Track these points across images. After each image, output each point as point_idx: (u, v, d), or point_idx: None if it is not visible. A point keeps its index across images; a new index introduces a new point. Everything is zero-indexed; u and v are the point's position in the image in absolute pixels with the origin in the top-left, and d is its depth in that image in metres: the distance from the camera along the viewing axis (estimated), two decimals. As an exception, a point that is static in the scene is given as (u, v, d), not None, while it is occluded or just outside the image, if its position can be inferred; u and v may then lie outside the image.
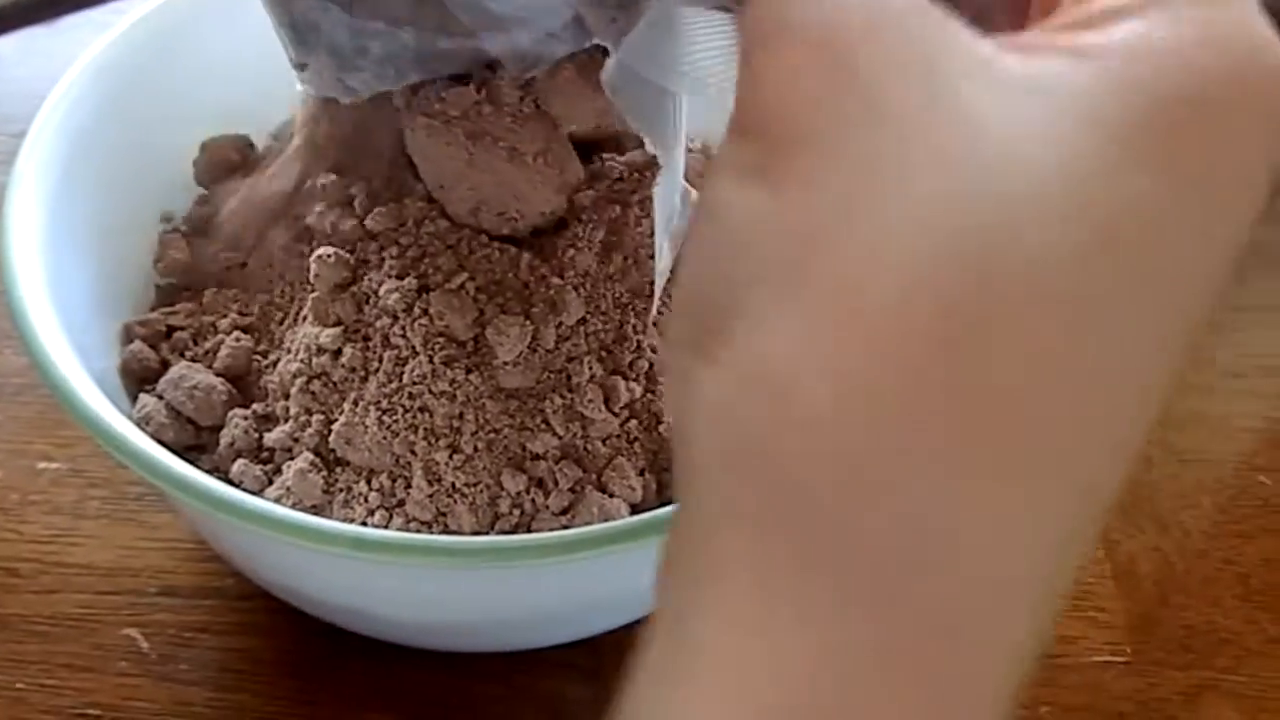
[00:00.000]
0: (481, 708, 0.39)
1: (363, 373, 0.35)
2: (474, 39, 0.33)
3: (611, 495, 0.34)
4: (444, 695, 0.39)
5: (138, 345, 0.39)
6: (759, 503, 0.18)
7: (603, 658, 0.40)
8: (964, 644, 0.18)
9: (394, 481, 0.35)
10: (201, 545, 0.43)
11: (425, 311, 0.34)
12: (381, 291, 0.35)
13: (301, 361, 0.35)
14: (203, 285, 0.40)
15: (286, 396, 0.36)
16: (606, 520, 0.34)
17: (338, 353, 0.35)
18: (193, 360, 0.38)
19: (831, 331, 0.17)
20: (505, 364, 0.34)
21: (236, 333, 0.38)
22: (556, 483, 0.35)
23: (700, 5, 0.27)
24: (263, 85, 0.40)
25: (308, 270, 0.36)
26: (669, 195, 0.33)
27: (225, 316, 0.39)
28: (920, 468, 0.17)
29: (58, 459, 0.45)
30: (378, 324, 0.35)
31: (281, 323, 0.38)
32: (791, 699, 0.17)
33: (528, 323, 0.34)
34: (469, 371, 0.34)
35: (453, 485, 0.34)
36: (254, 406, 0.37)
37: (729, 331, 0.18)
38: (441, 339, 0.34)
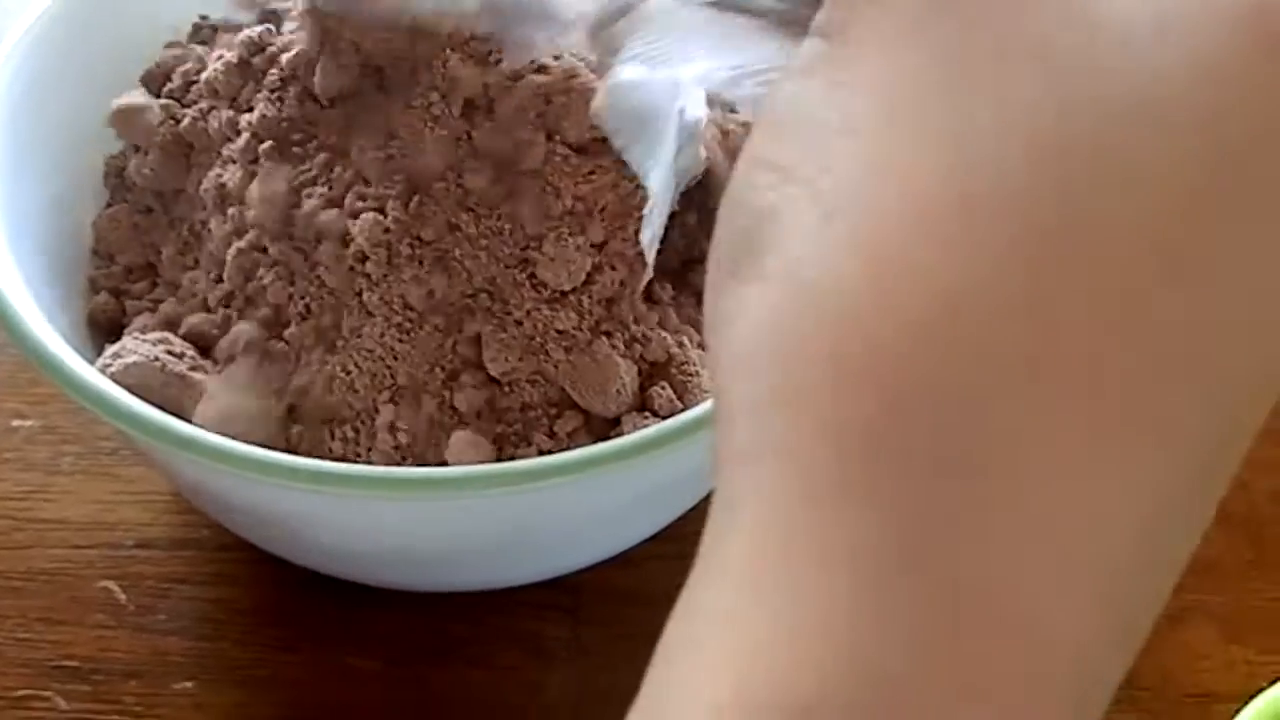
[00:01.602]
0: (460, 649, 0.39)
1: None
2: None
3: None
4: (423, 638, 0.39)
5: (103, 297, 0.39)
6: (803, 424, 0.16)
7: (581, 597, 0.40)
8: (1029, 631, 0.15)
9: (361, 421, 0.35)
10: (177, 498, 0.42)
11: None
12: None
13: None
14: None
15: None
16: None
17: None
18: (155, 304, 0.38)
19: (874, 240, 0.16)
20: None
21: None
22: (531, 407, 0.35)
23: None
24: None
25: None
26: (654, 220, 0.33)
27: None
28: (993, 390, 0.15)
29: (30, 416, 0.45)
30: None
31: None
32: (810, 656, 0.15)
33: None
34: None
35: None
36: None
37: (769, 245, 0.16)
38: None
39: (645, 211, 0.33)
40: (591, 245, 0.34)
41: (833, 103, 0.17)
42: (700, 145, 0.36)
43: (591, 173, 0.35)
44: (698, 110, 0.35)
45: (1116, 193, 0.15)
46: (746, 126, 0.39)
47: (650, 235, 0.34)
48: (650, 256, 0.34)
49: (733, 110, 0.39)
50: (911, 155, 0.16)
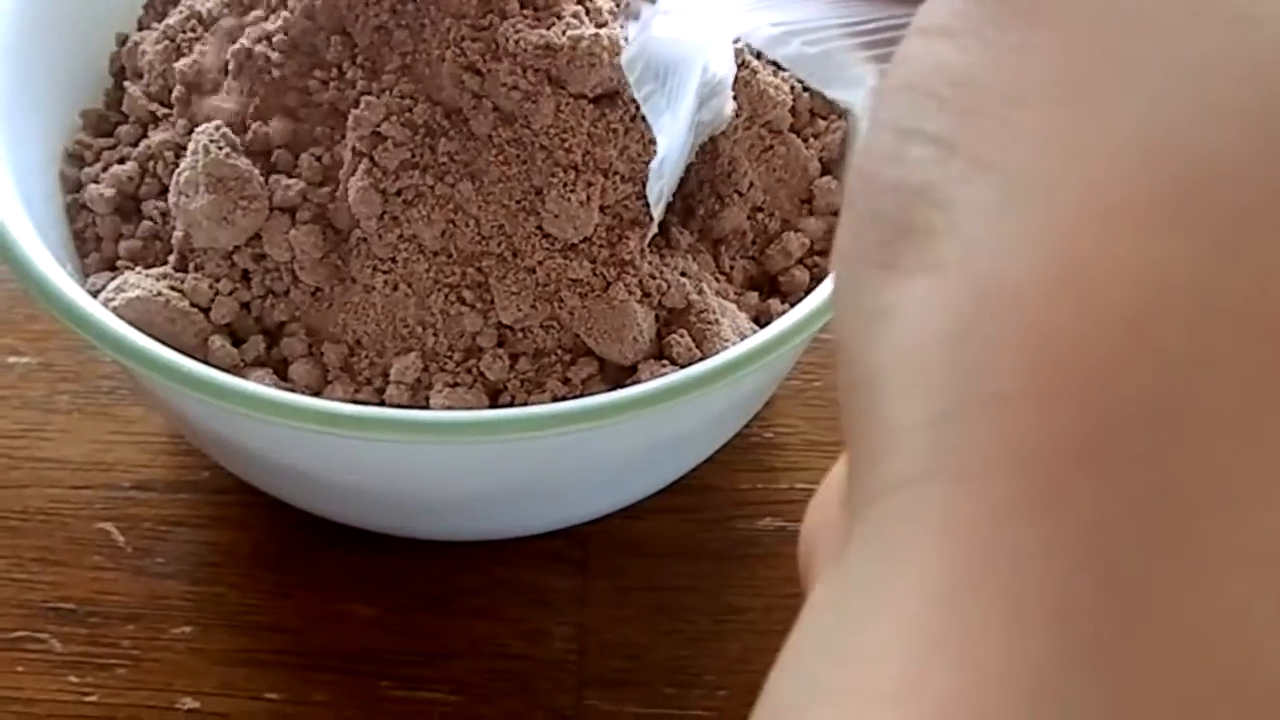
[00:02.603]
0: (463, 598, 0.39)
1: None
2: None
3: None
4: (424, 585, 0.39)
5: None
6: (994, 445, 0.13)
7: (589, 548, 0.40)
8: None
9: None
10: (177, 439, 0.42)
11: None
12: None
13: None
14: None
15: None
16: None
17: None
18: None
19: (1072, 226, 0.13)
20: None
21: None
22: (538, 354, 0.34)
23: None
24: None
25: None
26: (664, 175, 0.32)
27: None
28: (1222, 403, 0.13)
29: (27, 353, 0.44)
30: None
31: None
32: None
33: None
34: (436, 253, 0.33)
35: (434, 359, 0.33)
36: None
37: (937, 230, 0.14)
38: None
39: (653, 165, 0.32)
40: (601, 201, 0.33)
41: (997, 67, 0.14)
42: (729, 100, 0.35)
43: (602, 125, 0.34)
44: (724, 67, 0.34)
45: None
46: (787, 82, 0.38)
47: (658, 191, 0.33)
48: (656, 212, 0.34)
49: (778, 69, 0.38)
50: (1099, 130, 0.13)
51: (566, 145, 0.33)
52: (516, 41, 0.33)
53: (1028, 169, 0.14)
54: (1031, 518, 0.13)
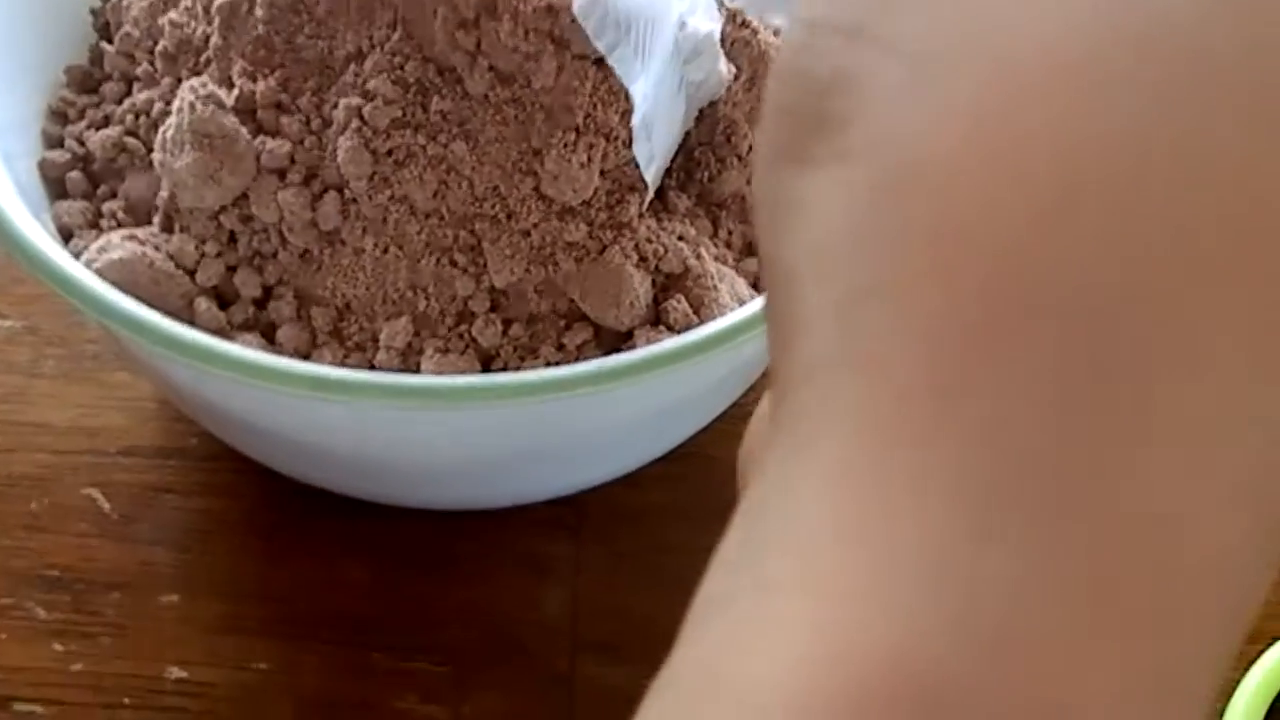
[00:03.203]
0: (456, 564, 0.38)
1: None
2: None
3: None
4: (417, 552, 0.38)
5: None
6: (901, 326, 0.13)
7: (584, 515, 0.39)
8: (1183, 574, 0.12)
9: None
10: (164, 404, 0.41)
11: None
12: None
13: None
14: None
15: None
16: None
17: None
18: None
19: (983, 103, 0.13)
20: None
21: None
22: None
23: None
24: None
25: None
26: (648, 133, 0.32)
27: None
28: (1145, 279, 0.12)
29: (11, 316, 0.43)
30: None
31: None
32: (920, 613, 0.12)
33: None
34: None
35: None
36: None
37: (845, 118, 0.14)
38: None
39: (635, 124, 0.32)
40: (601, 163, 0.33)
41: None
42: (720, 59, 0.34)
43: (604, 88, 0.33)
44: (706, 23, 0.33)
45: None
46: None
47: (647, 153, 0.32)
48: (650, 176, 0.33)
49: (777, 32, 0.37)
50: (1012, 3, 0.13)
51: (568, 106, 0.32)
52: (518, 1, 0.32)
53: (937, 48, 0.13)
54: (934, 400, 0.13)
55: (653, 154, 0.33)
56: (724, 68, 0.35)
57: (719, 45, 0.34)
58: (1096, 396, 0.12)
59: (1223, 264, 0.12)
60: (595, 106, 0.33)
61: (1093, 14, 0.13)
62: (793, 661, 0.12)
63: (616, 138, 0.33)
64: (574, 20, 0.32)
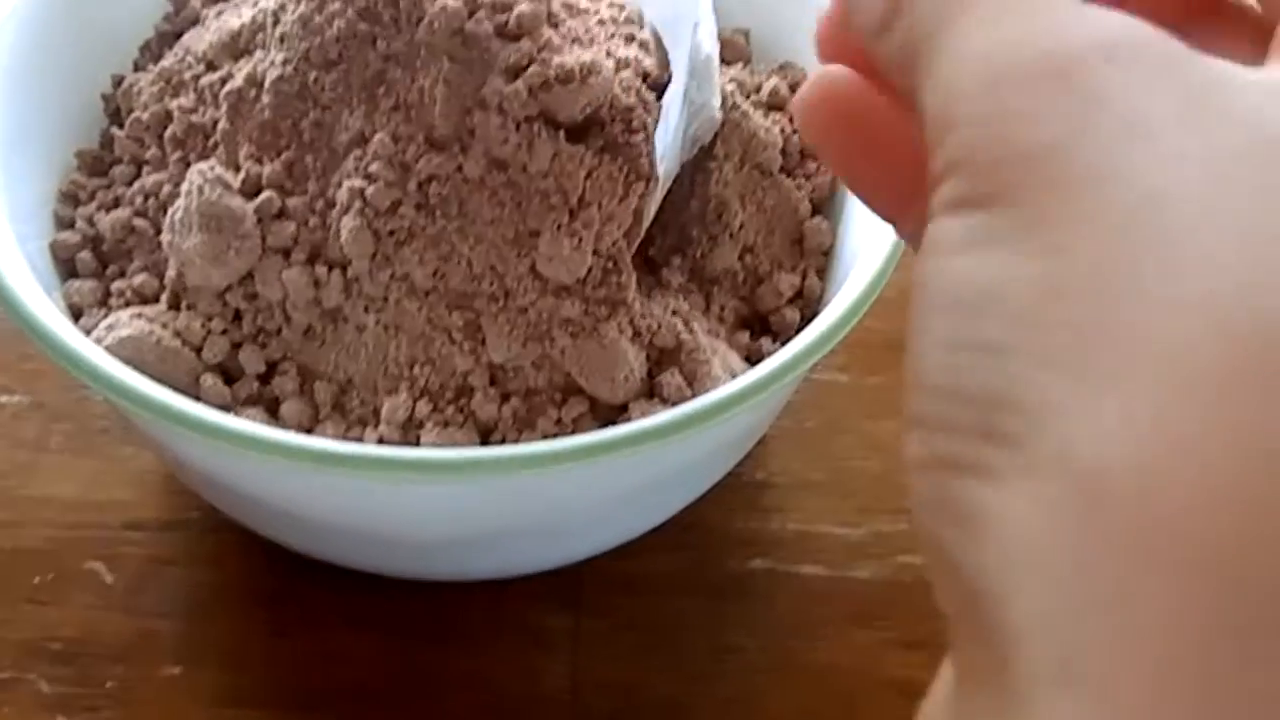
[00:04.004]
0: (456, 636, 0.38)
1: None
2: None
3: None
4: (418, 624, 0.39)
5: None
6: (1134, 642, 0.13)
7: (582, 587, 0.39)
8: None
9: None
10: (168, 477, 0.42)
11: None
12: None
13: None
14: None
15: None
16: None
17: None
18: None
19: (1159, 408, 0.13)
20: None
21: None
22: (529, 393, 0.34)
23: None
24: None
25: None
26: (672, 108, 0.33)
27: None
28: None
29: (19, 391, 0.44)
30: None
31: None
32: None
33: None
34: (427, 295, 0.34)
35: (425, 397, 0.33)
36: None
37: (1019, 433, 0.14)
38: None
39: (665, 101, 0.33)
40: (595, 243, 0.34)
41: (1023, 272, 0.14)
42: (716, 97, 0.35)
43: (601, 173, 0.34)
44: (709, 43, 0.34)
45: None
46: (778, 124, 0.39)
47: (662, 148, 0.33)
48: (662, 163, 0.34)
49: (769, 110, 0.39)
50: (1152, 308, 0.13)
51: (561, 190, 0.33)
52: (503, 94, 0.33)
53: (1092, 359, 0.14)
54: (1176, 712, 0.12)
55: (665, 149, 0.34)
56: (716, 104, 0.35)
57: (716, 73, 0.35)
58: None
59: None
60: (589, 190, 0.34)
61: (1233, 309, 0.13)
62: None
63: (610, 218, 0.34)
64: (557, 91, 0.33)
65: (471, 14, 0.33)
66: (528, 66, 0.33)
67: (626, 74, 0.34)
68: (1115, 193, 0.14)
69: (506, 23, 0.33)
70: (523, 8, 0.33)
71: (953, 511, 0.15)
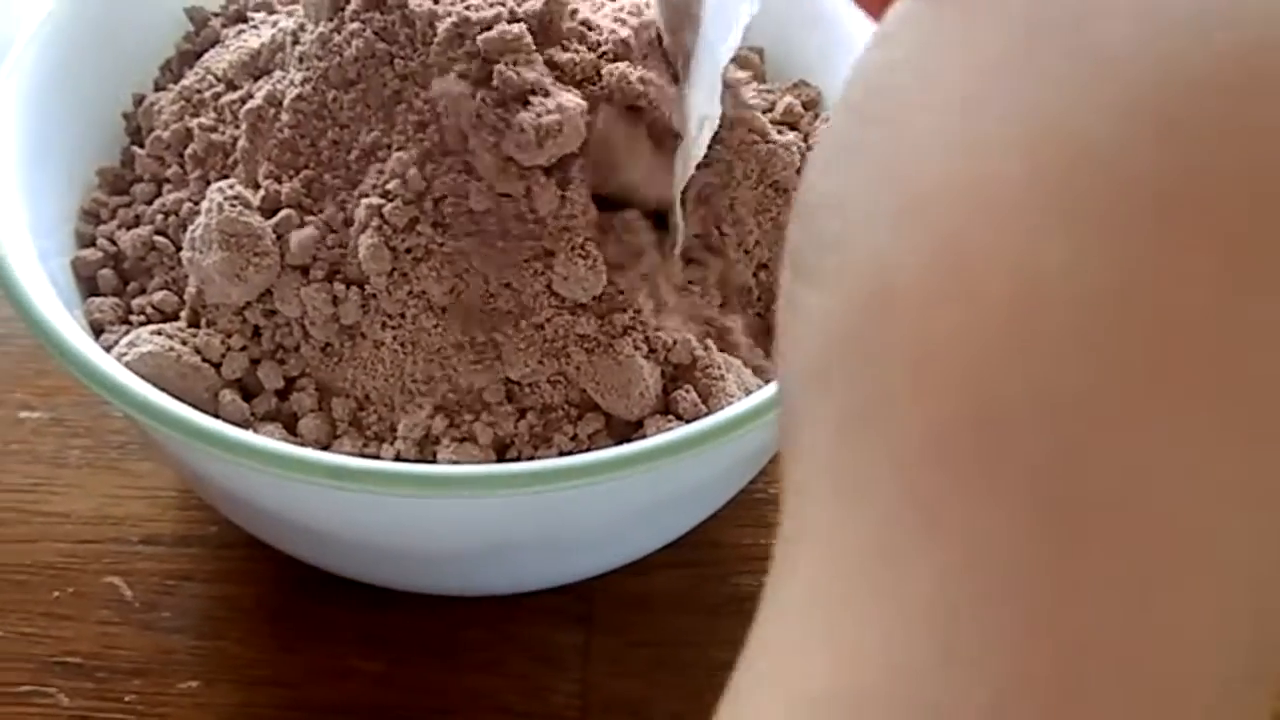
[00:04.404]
0: (468, 653, 0.39)
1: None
2: None
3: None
4: (429, 640, 0.39)
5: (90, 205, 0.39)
6: (879, 446, 0.14)
7: (593, 604, 0.40)
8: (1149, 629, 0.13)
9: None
10: (185, 493, 0.42)
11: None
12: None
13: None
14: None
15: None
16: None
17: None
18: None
19: (961, 223, 0.13)
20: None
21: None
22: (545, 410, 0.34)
23: None
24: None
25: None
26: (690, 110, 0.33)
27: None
28: (1100, 395, 0.13)
29: (38, 408, 0.44)
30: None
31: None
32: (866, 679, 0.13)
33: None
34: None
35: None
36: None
37: (838, 237, 0.15)
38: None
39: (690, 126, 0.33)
40: (606, 263, 0.34)
41: (917, 72, 0.15)
42: (718, 95, 0.35)
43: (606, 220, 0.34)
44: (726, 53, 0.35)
45: (1240, 146, 0.13)
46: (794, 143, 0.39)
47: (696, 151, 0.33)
48: (693, 147, 0.34)
49: (785, 129, 0.39)
50: (992, 128, 0.14)
51: (572, 225, 0.34)
52: (495, 155, 0.33)
53: (921, 173, 0.14)
54: (912, 523, 0.13)
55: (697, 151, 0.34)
56: (718, 103, 0.36)
57: (722, 82, 0.35)
58: (1062, 522, 0.13)
59: (1161, 381, 0.13)
60: (599, 227, 0.34)
61: (1050, 134, 0.13)
62: None
63: (621, 238, 0.34)
64: (531, 145, 0.33)
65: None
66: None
67: (620, 66, 0.35)
68: (1004, 9, 0.14)
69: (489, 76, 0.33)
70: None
71: (790, 307, 0.16)
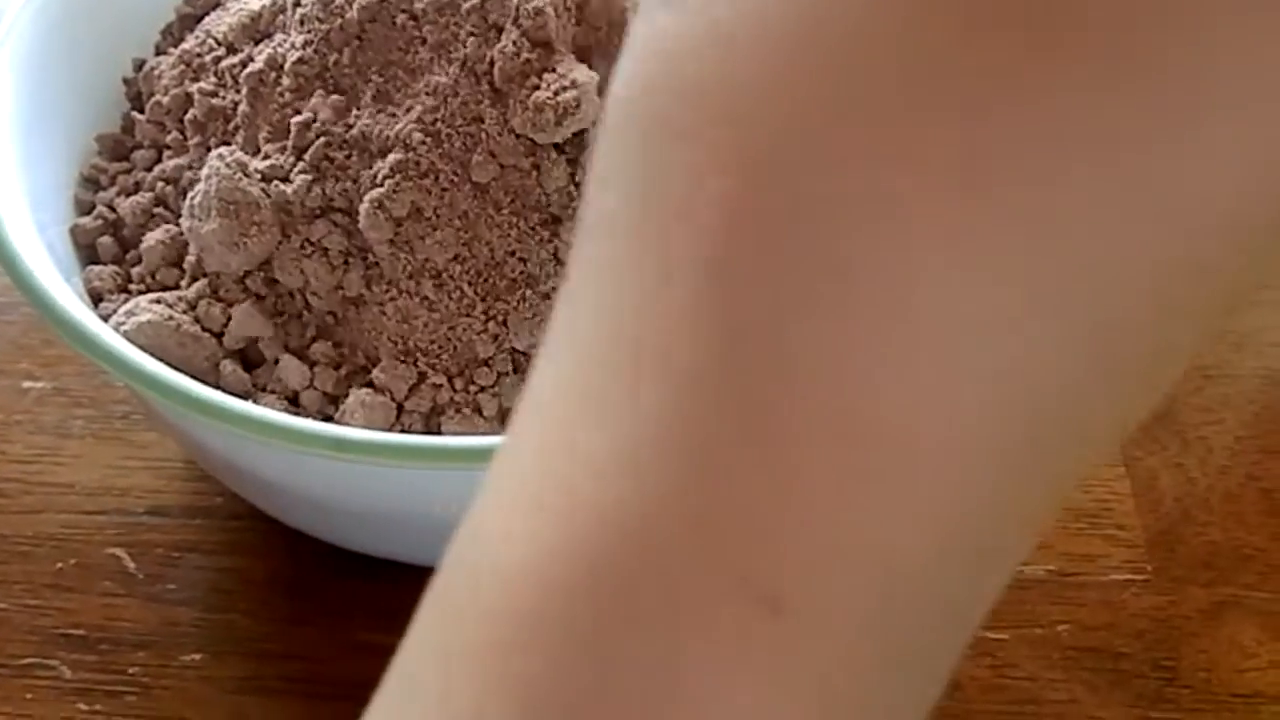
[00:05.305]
0: (479, 626, 0.38)
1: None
2: None
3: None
4: (440, 614, 0.38)
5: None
6: (653, 194, 0.14)
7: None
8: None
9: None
10: (190, 465, 0.41)
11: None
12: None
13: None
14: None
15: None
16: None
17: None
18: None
19: None
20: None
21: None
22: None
23: None
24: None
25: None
26: None
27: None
28: (860, 152, 0.13)
29: (42, 378, 0.44)
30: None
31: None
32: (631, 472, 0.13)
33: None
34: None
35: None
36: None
37: None
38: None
39: None
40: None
41: None
42: None
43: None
44: None
45: None
46: None
47: None
48: None
49: None
50: None
51: (580, 194, 0.33)
52: (504, 129, 0.33)
53: None
54: (681, 278, 0.13)
55: None
56: None
57: None
58: (827, 278, 0.13)
59: (914, 145, 0.12)
60: None
61: None
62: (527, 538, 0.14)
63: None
64: (551, 122, 0.32)
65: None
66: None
67: None
68: None
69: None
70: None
71: (631, 37, 0.15)
